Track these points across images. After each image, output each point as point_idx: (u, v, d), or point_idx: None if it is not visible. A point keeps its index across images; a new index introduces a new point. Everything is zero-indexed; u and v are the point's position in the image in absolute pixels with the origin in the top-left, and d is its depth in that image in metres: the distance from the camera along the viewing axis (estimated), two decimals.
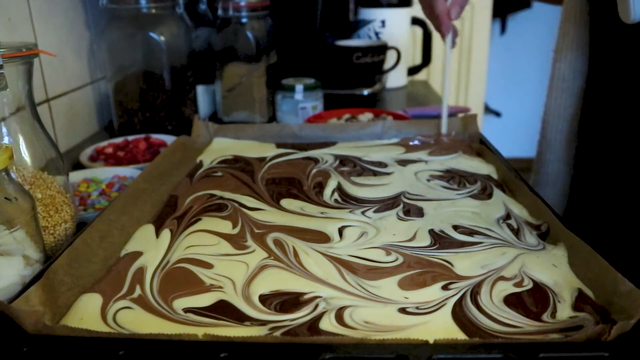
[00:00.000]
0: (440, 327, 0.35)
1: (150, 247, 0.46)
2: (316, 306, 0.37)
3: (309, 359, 0.30)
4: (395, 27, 1.30)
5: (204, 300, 0.38)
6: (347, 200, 0.55)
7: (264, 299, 0.38)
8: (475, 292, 0.38)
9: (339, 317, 0.36)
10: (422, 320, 0.35)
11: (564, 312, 0.36)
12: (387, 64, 1.23)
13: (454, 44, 0.73)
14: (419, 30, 1.44)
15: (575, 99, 0.61)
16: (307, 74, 1.04)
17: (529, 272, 0.40)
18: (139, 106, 0.94)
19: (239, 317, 0.36)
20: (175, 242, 0.47)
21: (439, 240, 0.46)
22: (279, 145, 0.72)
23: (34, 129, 0.51)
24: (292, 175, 0.61)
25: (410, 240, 0.46)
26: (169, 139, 0.84)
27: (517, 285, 0.39)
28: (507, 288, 0.39)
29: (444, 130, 0.71)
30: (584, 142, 0.61)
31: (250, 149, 0.70)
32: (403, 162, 0.64)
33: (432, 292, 0.39)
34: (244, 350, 0.31)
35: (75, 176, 0.69)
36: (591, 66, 0.59)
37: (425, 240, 0.46)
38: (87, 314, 0.37)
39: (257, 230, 0.48)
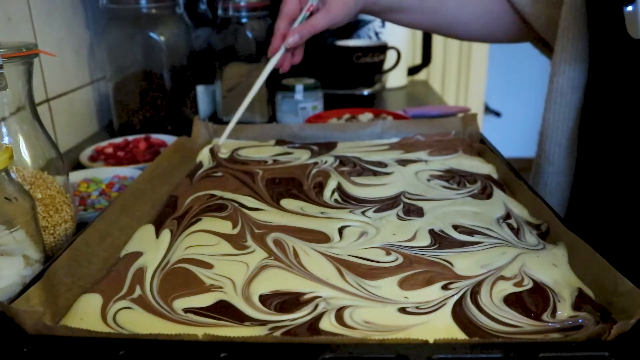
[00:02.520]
0: (440, 327, 0.35)
1: (150, 247, 0.46)
2: (316, 306, 0.37)
3: (309, 359, 0.30)
4: (395, 27, 1.29)
5: (204, 300, 0.38)
6: (347, 200, 0.55)
7: (264, 299, 0.38)
8: (475, 291, 0.38)
9: (339, 317, 0.36)
10: (422, 320, 0.35)
11: (564, 312, 0.36)
12: (387, 64, 1.23)
13: (284, 67, 0.70)
14: (418, 30, 1.44)
15: (574, 112, 0.61)
16: (307, 74, 1.04)
17: (529, 271, 0.40)
18: (139, 106, 0.94)
19: (239, 317, 0.36)
20: (175, 242, 0.47)
21: (439, 240, 0.46)
22: (278, 142, 0.72)
23: (34, 129, 0.51)
24: (292, 175, 0.61)
25: (410, 240, 0.46)
26: (169, 139, 0.84)
27: (517, 285, 0.39)
28: (507, 288, 0.39)
29: (221, 141, 0.68)
30: (583, 154, 0.61)
31: (249, 148, 0.70)
32: (403, 162, 0.64)
33: (432, 292, 0.39)
34: (244, 350, 0.31)
35: (75, 176, 0.69)
36: (590, 80, 0.59)
37: (425, 240, 0.46)
38: (87, 314, 0.37)
39: (257, 231, 0.48)
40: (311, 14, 0.68)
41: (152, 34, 0.91)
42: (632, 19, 0.46)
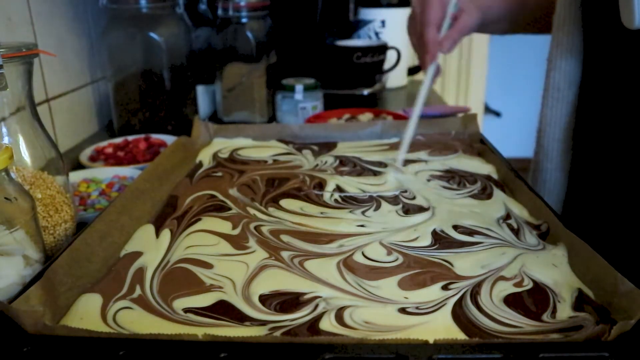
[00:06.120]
0: (440, 327, 0.35)
1: (150, 247, 0.46)
2: (316, 306, 0.37)
3: (309, 359, 0.30)
4: (395, 27, 1.29)
5: (204, 300, 0.38)
6: (347, 200, 0.55)
7: (264, 299, 0.38)
8: (475, 292, 0.38)
9: (339, 317, 0.36)
10: (422, 320, 0.35)
11: (564, 312, 0.36)
12: (387, 64, 1.23)
13: (433, 81, 0.68)
14: None
15: (570, 107, 0.61)
16: (307, 74, 1.04)
17: (529, 272, 0.41)
18: (139, 106, 0.94)
19: (239, 317, 0.36)
20: (175, 242, 0.47)
21: (439, 240, 0.46)
22: (279, 141, 0.72)
23: (34, 129, 0.51)
24: (292, 176, 0.61)
25: (410, 240, 0.46)
26: (169, 139, 0.84)
27: (517, 285, 0.39)
28: (507, 288, 0.39)
29: (399, 163, 0.62)
30: (579, 150, 0.61)
31: (249, 148, 0.70)
32: (403, 162, 0.64)
33: (432, 292, 0.39)
34: (244, 350, 0.31)
35: (75, 176, 0.69)
36: (585, 74, 0.59)
37: (426, 240, 0.46)
38: (87, 314, 0.37)
39: (257, 231, 0.48)
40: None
41: (152, 34, 0.91)
42: (627, 8, 0.46)
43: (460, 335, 0.34)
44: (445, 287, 0.39)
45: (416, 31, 0.68)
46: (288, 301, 0.38)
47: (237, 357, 0.30)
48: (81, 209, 0.62)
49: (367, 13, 1.29)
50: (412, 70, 1.44)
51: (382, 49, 1.19)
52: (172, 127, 0.95)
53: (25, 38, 0.78)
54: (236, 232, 0.48)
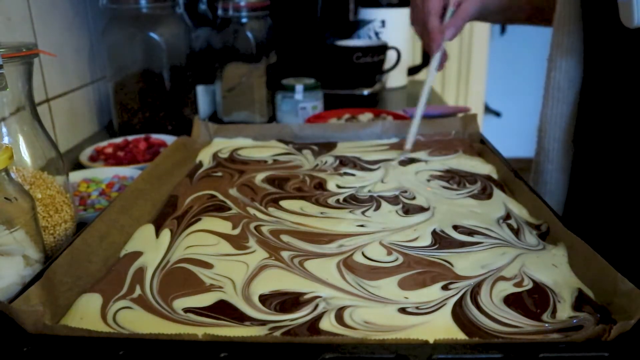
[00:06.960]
0: (440, 327, 0.35)
1: (150, 247, 0.46)
2: (316, 306, 0.37)
3: (309, 359, 0.30)
4: (395, 27, 1.30)
5: (204, 300, 0.38)
6: (347, 200, 0.55)
7: (264, 299, 0.38)
8: (475, 292, 0.38)
9: (339, 317, 0.36)
10: (422, 320, 0.35)
11: (564, 312, 0.36)
12: (387, 64, 1.23)
13: (441, 66, 0.71)
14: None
15: (571, 108, 0.61)
16: (307, 74, 1.04)
17: (529, 272, 0.41)
18: (139, 106, 0.94)
19: (239, 317, 0.36)
20: (175, 242, 0.47)
21: (439, 240, 0.46)
22: (279, 141, 0.72)
23: (34, 129, 0.51)
24: (292, 176, 0.61)
25: (410, 240, 0.46)
26: (169, 139, 0.84)
27: (517, 285, 0.39)
28: (507, 288, 0.39)
29: (408, 145, 0.67)
30: (580, 150, 0.61)
31: (249, 148, 0.70)
32: (403, 162, 0.64)
33: (432, 292, 0.39)
34: (244, 350, 0.31)
35: (75, 176, 0.69)
36: (586, 74, 0.59)
37: (426, 240, 0.46)
38: (87, 314, 0.37)
39: (257, 231, 0.48)
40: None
41: (152, 34, 0.91)
42: (627, 8, 0.46)
43: (460, 335, 0.34)
44: (445, 287, 0.39)
45: (419, 20, 0.72)
46: (288, 301, 0.38)
47: (237, 357, 0.30)
48: (81, 209, 0.62)
49: (367, 13, 1.30)
50: (412, 70, 1.44)
51: (382, 49, 1.19)
52: (172, 127, 0.95)
53: (25, 38, 0.78)
54: (236, 232, 0.48)
